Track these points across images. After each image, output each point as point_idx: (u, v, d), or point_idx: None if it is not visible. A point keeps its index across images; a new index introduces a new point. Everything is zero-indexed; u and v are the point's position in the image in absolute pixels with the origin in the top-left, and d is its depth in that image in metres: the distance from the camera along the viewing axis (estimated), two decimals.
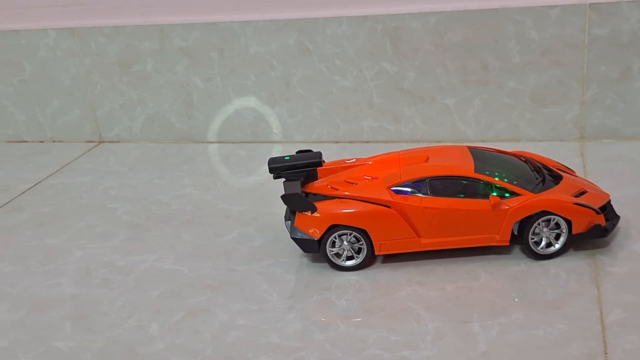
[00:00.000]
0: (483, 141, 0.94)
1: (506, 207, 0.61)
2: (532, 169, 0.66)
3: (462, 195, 0.62)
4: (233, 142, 1.03)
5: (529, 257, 0.63)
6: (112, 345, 0.57)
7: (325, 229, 0.63)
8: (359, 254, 0.64)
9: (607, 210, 0.65)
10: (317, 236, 0.63)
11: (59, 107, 1.09)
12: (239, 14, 0.97)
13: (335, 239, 0.63)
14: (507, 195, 0.62)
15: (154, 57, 1.02)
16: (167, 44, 1.00)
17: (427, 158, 0.65)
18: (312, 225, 0.63)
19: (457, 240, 0.63)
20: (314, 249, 0.64)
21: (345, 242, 0.63)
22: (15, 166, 1.01)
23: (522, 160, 0.68)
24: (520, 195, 0.62)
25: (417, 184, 0.63)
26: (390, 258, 0.66)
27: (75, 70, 1.05)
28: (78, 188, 0.91)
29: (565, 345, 0.52)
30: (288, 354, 0.54)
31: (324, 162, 0.69)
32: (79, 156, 1.04)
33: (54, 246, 0.75)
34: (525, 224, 0.62)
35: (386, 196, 0.63)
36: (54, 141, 1.11)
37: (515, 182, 0.63)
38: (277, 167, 0.67)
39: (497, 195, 0.61)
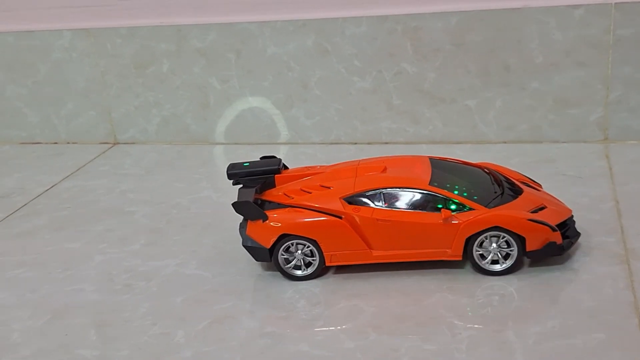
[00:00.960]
0: (504, 142, 0.92)
1: (458, 221, 0.60)
2: (493, 181, 0.65)
3: (415, 208, 0.61)
4: (249, 144, 1.02)
5: (476, 271, 0.62)
6: (138, 354, 0.56)
7: (276, 238, 0.62)
8: (310, 265, 0.63)
9: (568, 227, 0.63)
10: (268, 245, 0.62)
11: (73, 109, 1.08)
12: (257, 15, 0.96)
13: (291, 246, 0.62)
14: (460, 208, 0.60)
15: (170, 59, 1.01)
16: (183, 45, 0.99)
17: (385, 168, 0.64)
18: (264, 234, 0.62)
19: (408, 253, 0.62)
20: (266, 257, 0.63)
21: (298, 252, 0.63)
22: (30, 168, 1.00)
23: (485, 172, 0.67)
24: (473, 209, 0.60)
25: (370, 195, 0.62)
26: (418, 263, 0.65)
27: (91, 71, 1.04)
28: (95, 191, 0.90)
29: (605, 355, 0.51)
30: None
31: (284, 169, 0.68)
32: (94, 158, 1.03)
33: (74, 251, 0.74)
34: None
35: (338, 206, 0.62)
36: (68, 143, 1.10)
37: (469, 196, 0.61)
38: (235, 174, 0.66)
39: (449, 209, 0.60)
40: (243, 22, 0.96)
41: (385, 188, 0.62)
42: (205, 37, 0.98)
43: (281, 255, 0.63)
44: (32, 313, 0.63)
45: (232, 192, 0.85)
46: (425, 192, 0.61)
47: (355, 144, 0.98)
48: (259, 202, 0.65)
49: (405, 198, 0.61)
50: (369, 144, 0.98)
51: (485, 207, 0.61)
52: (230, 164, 0.67)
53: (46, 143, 1.11)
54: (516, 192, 0.64)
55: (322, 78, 0.96)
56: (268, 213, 0.63)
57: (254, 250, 0.63)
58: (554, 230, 0.60)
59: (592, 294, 0.58)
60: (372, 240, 0.62)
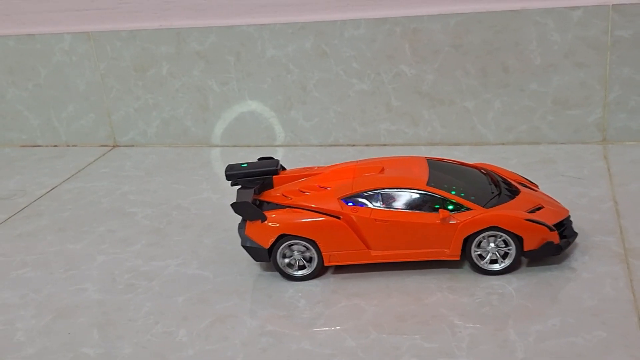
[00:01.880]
0: (503, 144, 0.93)
1: (456, 222, 0.60)
2: (490, 182, 0.65)
3: (412, 208, 0.61)
4: (249, 146, 1.03)
5: (475, 271, 0.62)
6: (141, 352, 0.56)
7: (274, 239, 0.62)
8: (310, 263, 0.63)
9: (565, 227, 0.63)
10: (267, 245, 0.62)
11: (73, 112, 1.08)
12: (256, 18, 0.97)
13: (286, 249, 0.63)
14: (458, 209, 0.61)
15: (169, 61, 1.01)
16: (183, 47, 1.00)
17: (383, 169, 0.65)
18: (262, 234, 0.62)
19: (407, 253, 0.62)
20: (265, 257, 0.63)
21: (295, 252, 0.63)
22: (31, 170, 1.01)
23: (482, 172, 0.67)
24: (471, 209, 0.61)
25: (368, 195, 0.62)
26: (418, 263, 0.65)
27: (91, 74, 1.05)
28: (96, 192, 0.90)
29: (606, 353, 0.51)
30: None
31: (283, 170, 0.69)
32: (94, 160, 1.03)
33: (76, 251, 0.74)
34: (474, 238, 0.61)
35: (336, 207, 0.62)
36: (68, 145, 1.10)
37: (467, 196, 0.61)
38: (234, 175, 0.66)
39: (446, 209, 0.60)
40: (242, 25, 0.97)
41: (383, 188, 0.62)
42: (205, 40, 0.99)
43: (280, 255, 0.63)
44: (36, 312, 0.63)
45: (232, 193, 0.85)
46: (423, 192, 0.61)
47: (354, 145, 0.99)
48: (258, 202, 0.65)
49: (403, 198, 0.62)
50: (367, 145, 0.98)
51: (483, 207, 0.61)
52: (228, 165, 0.67)
53: (46, 146, 1.11)
54: (513, 192, 0.64)
55: (321, 80, 0.97)
56: (267, 213, 0.63)
57: (253, 251, 0.64)
58: (551, 230, 0.60)
59: (592, 293, 0.58)
60: (371, 240, 0.62)
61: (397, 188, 0.62)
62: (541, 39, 0.87)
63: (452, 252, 0.61)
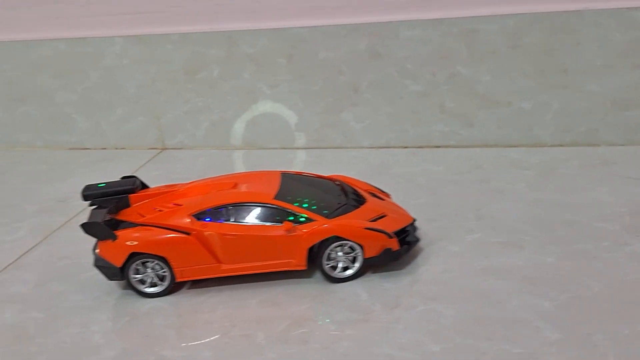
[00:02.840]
0: (561, 145, 0.92)
1: (299, 233, 0.62)
2: (341, 193, 0.68)
3: (259, 221, 0.63)
4: (297, 148, 1.03)
5: (329, 281, 0.64)
6: (222, 355, 0.56)
7: (126, 257, 0.63)
8: (163, 281, 0.64)
9: (408, 234, 0.66)
10: (119, 264, 0.63)
11: (122, 115, 1.08)
12: (309, 20, 0.97)
13: (139, 266, 0.63)
14: (302, 220, 0.63)
15: (220, 64, 1.01)
16: (234, 50, 1.00)
17: (235, 184, 0.67)
18: (114, 253, 0.63)
19: (255, 265, 0.64)
20: (117, 276, 0.64)
21: (149, 270, 0.64)
22: (83, 173, 1.01)
23: (336, 184, 0.70)
24: (314, 220, 0.63)
25: (217, 211, 0.63)
26: (491, 266, 0.64)
27: (141, 77, 1.05)
28: None
29: None
30: None
31: (143, 188, 0.70)
32: (145, 163, 1.03)
33: None
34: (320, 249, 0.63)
35: (186, 223, 0.63)
36: (116, 148, 1.11)
37: (311, 208, 0.64)
38: (90, 195, 0.67)
39: (291, 221, 0.62)
40: (295, 27, 0.97)
41: (231, 204, 0.64)
42: (256, 42, 0.99)
43: (133, 273, 0.64)
44: (110, 315, 0.63)
45: None
46: (268, 205, 0.63)
47: (406, 147, 0.98)
48: (114, 221, 0.65)
49: (250, 212, 0.64)
50: (419, 147, 0.98)
51: (326, 217, 0.63)
52: (85, 186, 0.68)
53: (94, 148, 1.12)
54: (360, 202, 0.67)
55: (374, 82, 0.96)
56: (119, 232, 0.64)
57: (106, 270, 0.64)
58: (390, 237, 0.63)
59: None
60: (221, 254, 0.63)
61: (244, 203, 0.64)
62: (601, 39, 0.86)
63: (298, 262, 0.63)
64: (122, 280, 0.65)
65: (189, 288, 0.67)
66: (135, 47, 1.03)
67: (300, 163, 0.97)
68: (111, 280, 0.65)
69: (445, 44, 0.91)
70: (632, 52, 0.85)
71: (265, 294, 0.64)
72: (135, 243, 0.63)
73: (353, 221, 0.64)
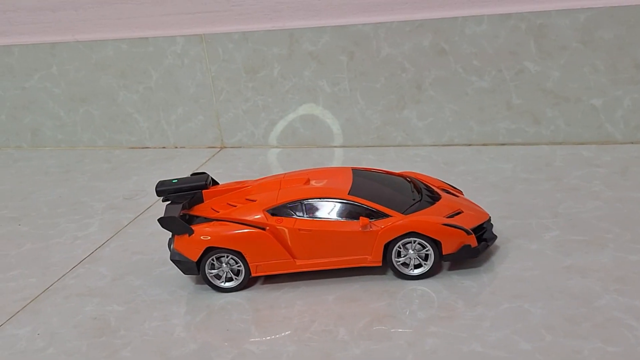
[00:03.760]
0: (632, 143, 0.89)
1: (376, 228, 0.62)
2: (413, 189, 0.67)
3: (334, 217, 0.63)
4: (358, 147, 1.02)
5: (399, 278, 0.63)
6: (306, 350, 0.55)
7: (202, 251, 0.63)
8: (238, 276, 0.64)
9: (485, 230, 0.65)
10: (195, 258, 0.63)
11: (183, 114, 1.09)
12: (372, 16, 0.96)
13: (214, 261, 0.64)
14: (378, 216, 0.62)
15: (281, 62, 1.01)
16: (295, 48, 1.00)
17: (308, 180, 0.66)
18: (190, 248, 0.63)
19: (330, 261, 0.63)
20: (194, 270, 0.64)
21: (224, 264, 0.64)
22: (145, 172, 1.02)
23: (407, 180, 0.69)
24: (391, 216, 0.62)
25: (292, 206, 0.63)
26: (574, 264, 0.62)
27: (202, 76, 1.06)
28: None
29: None
30: None
31: (214, 184, 0.70)
32: (206, 161, 1.04)
33: None
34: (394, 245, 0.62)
35: (261, 218, 0.63)
36: (176, 147, 1.12)
37: (387, 203, 0.63)
38: (164, 190, 0.67)
39: (366, 217, 0.62)
40: (357, 24, 0.96)
41: (306, 199, 0.63)
42: (318, 40, 0.98)
43: (209, 267, 0.64)
44: (189, 309, 0.63)
45: None
46: (344, 201, 0.63)
47: (470, 145, 0.97)
48: (188, 217, 0.66)
49: (326, 208, 0.63)
50: (484, 145, 0.96)
51: (402, 213, 0.62)
52: (159, 181, 0.68)
53: (155, 147, 1.13)
54: (434, 198, 0.66)
55: (438, 78, 0.95)
56: (195, 227, 0.63)
57: (182, 264, 0.64)
58: (468, 233, 0.62)
59: None
60: (295, 249, 0.63)
61: (319, 198, 0.63)
62: None
63: (374, 258, 0.63)
64: (197, 274, 0.65)
65: (263, 283, 0.66)
66: (196, 46, 1.04)
67: (363, 161, 0.96)
68: (186, 274, 0.66)
69: (513, 40, 0.89)
70: None
71: (342, 290, 0.63)
72: (212, 237, 0.63)
73: (430, 217, 0.63)
